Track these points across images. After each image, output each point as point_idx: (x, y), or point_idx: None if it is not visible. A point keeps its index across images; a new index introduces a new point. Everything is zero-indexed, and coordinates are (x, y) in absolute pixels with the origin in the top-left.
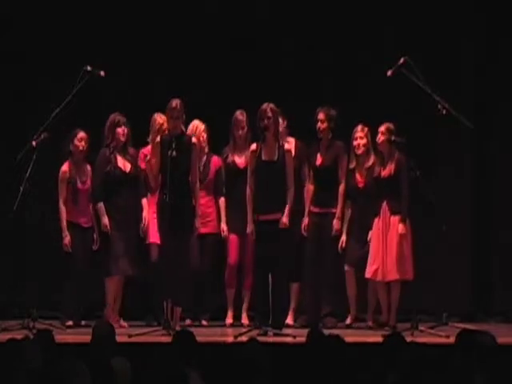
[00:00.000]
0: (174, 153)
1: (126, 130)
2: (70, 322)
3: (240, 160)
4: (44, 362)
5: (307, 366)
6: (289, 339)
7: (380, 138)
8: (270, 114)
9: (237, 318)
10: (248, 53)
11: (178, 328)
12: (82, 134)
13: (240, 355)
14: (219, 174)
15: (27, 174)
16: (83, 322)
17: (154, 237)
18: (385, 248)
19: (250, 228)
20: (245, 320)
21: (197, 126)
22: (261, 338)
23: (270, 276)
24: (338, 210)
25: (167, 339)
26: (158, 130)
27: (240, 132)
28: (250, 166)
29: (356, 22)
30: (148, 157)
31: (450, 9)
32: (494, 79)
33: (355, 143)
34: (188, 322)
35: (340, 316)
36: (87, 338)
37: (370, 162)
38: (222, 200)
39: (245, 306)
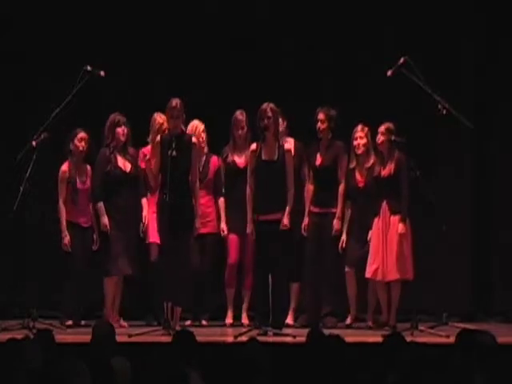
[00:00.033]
0: (174, 152)
1: (125, 130)
2: (70, 322)
3: (240, 160)
4: (44, 361)
5: (307, 366)
6: (289, 339)
7: (380, 138)
8: (270, 114)
9: (237, 317)
10: (248, 53)
11: (178, 328)
12: (82, 134)
13: (240, 355)
14: (218, 174)
15: (27, 174)
16: (83, 322)
17: (153, 237)
18: (385, 248)
19: (249, 228)
20: (245, 320)
21: (196, 126)
22: (261, 338)
23: (270, 276)
24: (338, 210)
25: (167, 339)
26: (158, 130)
27: (240, 132)
28: (250, 165)
29: (356, 22)
30: (147, 156)
31: (450, 9)
32: (494, 79)
33: (355, 143)
34: (188, 322)
35: (340, 316)
36: (87, 338)
37: (370, 162)
38: (221, 200)
39: (245, 305)
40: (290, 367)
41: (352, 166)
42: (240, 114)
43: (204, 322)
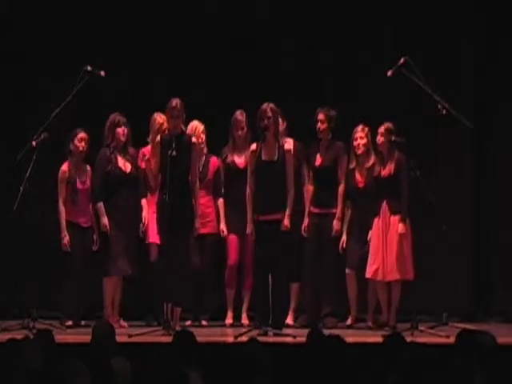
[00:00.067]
0: (174, 152)
1: (126, 130)
2: (70, 322)
3: (240, 160)
4: (44, 361)
5: (307, 366)
6: (289, 339)
7: (379, 139)
8: (270, 114)
9: (237, 318)
10: (248, 53)
11: (178, 328)
12: (82, 135)
13: (240, 355)
14: (218, 175)
15: (27, 174)
16: (83, 322)
17: (153, 237)
18: (385, 248)
19: (249, 228)
20: (245, 320)
21: (196, 126)
22: (261, 338)
23: (270, 276)
24: (338, 211)
25: (167, 339)
26: (158, 130)
27: (239, 132)
28: (250, 165)
29: (356, 22)
30: (146, 156)
31: (450, 9)
32: (494, 79)
33: (355, 143)
34: (188, 322)
35: (340, 316)
36: (87, 338)
37: (371, 163)
38: (220, 201)
39: (245, 306)
40: (289, 367)
41: (352, 166)
42: (240, 115)
43: (204, 322)
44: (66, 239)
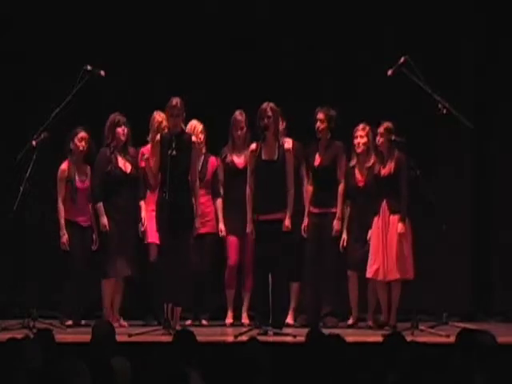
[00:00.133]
0: (174, 152)
1: (126, 130)
2: (70, 322)
3: (239, 160)
4: (44, 361)
5: (307, 366)
6: (289, 339)
7: (379, 139)
8: (270, 114)
9: (237, 317)
10: (248, 53)
11: (178, 327)
12: (82, 134)
13: (240, 355)
14: (216, 175)
15: (27, 174)
16: (83, 322)
17: (153, 237)
18: (385, 247)
19: (249, 228)
20: (245, 319)
21: (195, 126)
22: (261, 338)
23: (270, 276)
24: (338, 211)
25: (167, 339)
26: (157, 128)
27: (239, 132)
28: (250, 165)
29: (356, 22)
30: (146, 156)
31: (450, 9)
32: (494, 79)
33: (355, 142)
34: (188, 321)
35: (340, 316)
36: (87, 338)
37: (371, 162)
38: (218, 201)
39: (245, 305)
40: (290, 367)
41: (352, 164)
42: (239, 115)
43: (204, 322)
44: (65, 238)
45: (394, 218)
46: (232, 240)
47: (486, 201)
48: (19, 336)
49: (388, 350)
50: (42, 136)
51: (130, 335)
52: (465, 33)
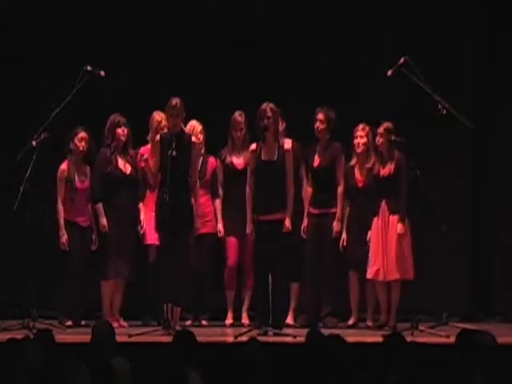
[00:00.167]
0: (174, 152)
1: (126, 131)
2: (70, 322)
3: (238, 161)
4: (44, 361)
5: (307, 366)
6: (289, 339)
7: (379, 139)
8: (269, 114)
9: (237, 318)
10: (248, 53)
11: (178, 328)
12: (82, 134)
13: (240, 355)
14: (215, 175)
15: (27, 174)
16: (83, 322)
17: (152, 238)
18: (384, 248)
19: (249, 228)
20: (245, 320)
21: (194, 126)
22: (261, 338)
23: (269, 276)
24: (338, 212)
25: (167, 339)
26: (156, 128)
27: (238, 133)
28: (250, 165)
29: (356, 22)
30: (145, 156)
31: (450, 9)
32: (494, 79)
33: (355, 142)
34: (188, 322)
35: (340, 316)
36: (87, 338)
37: (371, 163)
38: (217, 202)
39: (245, 305)
40: (289, 367)
41: (352, 163)
42: (239, 116)
43: (204, 322)
44: (64, 238)
45: (394, 218)
46: (231, 241)
47: (486, 201)
48: (19, 336)
49: (388, 351)
50: (42, 136)
51: (129, 335)
52: (465, 33)
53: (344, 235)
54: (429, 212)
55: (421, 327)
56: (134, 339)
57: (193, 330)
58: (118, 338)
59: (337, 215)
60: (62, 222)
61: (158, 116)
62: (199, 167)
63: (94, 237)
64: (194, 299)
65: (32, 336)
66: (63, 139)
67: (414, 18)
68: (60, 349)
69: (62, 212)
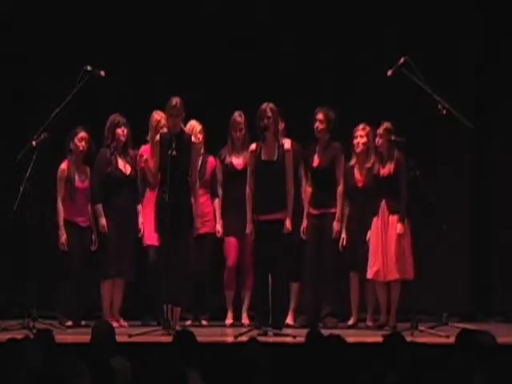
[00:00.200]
0: (175, 152)
1: (125, 131)
2: (70, 322)
3: (238, 161)
4: (44, 361)
5: (307, 367)
6: (289, 339)
7: (378, 140)
8: (269, 114)
9: (237, 318)
10: (248, 53)
11: (178, 328)
12: (82, 134)
13: (240, 355)
14: (215, 175)
15: (27, 174)
16: (83, 322)
17: (152, 239)
18: (384, 248)
19: (249, 228)
20: (245, 320)
21: (193, 126)
22: (261, 338)
23: (269, 276)
24: (337, 212)
25: (167, 339)
26: (156, 127)
27: (238, 134)
28: (250, 165)
29: (356, 22)
30: (144, 157)
31: (450, 9)
32: (494, 79)
33: (355, 141)
34: (188, 322)
35: (340, 316)
36: (87, 338)
37: (370, 163)
38: (216, 201)
39: (245, 306)
40: (290, 367)
41: (352, 163)
42: (238, 116)
43: (204, 322)
44: (64, 238)
45: (393, 218)
46: (231, 241)
47: (486, 201)
48: (19, 336)
49: (388, 351)
50: (42, 136)
51: (130, 335)
52: (465, 33)
53: (344, 235)
54: (429, 212)
55: (421, 327)
56: (134, 339)
57: (193, 329)
58: (118, 338)
59: (336, 215)
60: (61, 221)
61: (158, 115)
62: (199, 167)
63: (93, 237)
64: (193, 299)
65: (32, 336)
66: (63, 139)
67: (414, 17)
68: (60, 349)
69: (61, 212)
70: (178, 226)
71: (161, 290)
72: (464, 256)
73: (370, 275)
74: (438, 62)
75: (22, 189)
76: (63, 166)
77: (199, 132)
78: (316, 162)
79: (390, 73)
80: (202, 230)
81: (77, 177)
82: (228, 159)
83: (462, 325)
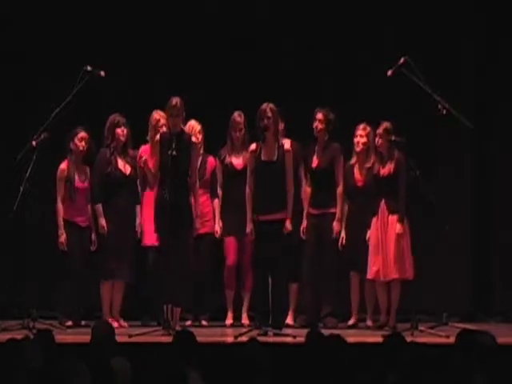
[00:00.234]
0: (175, 152)
1: (125, 131)
2: (70, 322)
3: (237, 161)
4: (44, 361)
5: (307, 367)
6: (289, 339)
7: (378, 140)
8: (269, 114)
9: (237, 318)
10: (248, 53)
11: (178, 328)
12: (82, 134)
13: (240, 355)
14: (214, 175)
15: (27, 174)
16: (83, 322)
17: (151, 239)
18: (384, 247)
19: (249, 228)
20: (245, 320)
21: (193, 126)
22: (261, 338)
23: (269, 276)
24: (337, 212)
25: (167, 339)
26: (155, 126)
27: (238, 134)
28: (250, 166)
29: (356, 22)
30: (144, 158)
31: (450, 9)
32: (494, 79)
33: (355, 140)
34: (188, 322)
35: (340, 316)
36: (87, 338)
37: (370, 163)
38: (215, 202)
39: (245, 306)
40: (290, 367)
41: (352, 162)
42: (238, 116)
43: (204, 323)
44: (63, 237)
45: (393, 218)
46: (230, 241)
47: (486, 201)
48: (19, 336)
49: (388, 351)
50: (42, 136)
51: (130, 336)
52: (465, 33)
53: (343, 234)
54: (429, 212)
55: (421, 327)
56: (134, 339)
57: (193, 330)
58: (118, 338)
59: (336, 216)
60: (61, 221)
61: (157, 114)
62: (199, 167)
63: (93, 237)
64: (193, 299)
65: (32, 336)
66: (63, 139)
67: (414, 17)
68: (60, 349)
69: (61, 211)
70: (178, 226)
71: (161, 290)
72: (464, 256)
73: (370, 275)
74: (438, 61)
75: (22, 189)
76: (63, 165)
77: (198, 132)
78: (315, 162)
79: (390, 73)
80: (202, 230)
81: (77, 177)
82: (228, 159)
83: (462, 325)
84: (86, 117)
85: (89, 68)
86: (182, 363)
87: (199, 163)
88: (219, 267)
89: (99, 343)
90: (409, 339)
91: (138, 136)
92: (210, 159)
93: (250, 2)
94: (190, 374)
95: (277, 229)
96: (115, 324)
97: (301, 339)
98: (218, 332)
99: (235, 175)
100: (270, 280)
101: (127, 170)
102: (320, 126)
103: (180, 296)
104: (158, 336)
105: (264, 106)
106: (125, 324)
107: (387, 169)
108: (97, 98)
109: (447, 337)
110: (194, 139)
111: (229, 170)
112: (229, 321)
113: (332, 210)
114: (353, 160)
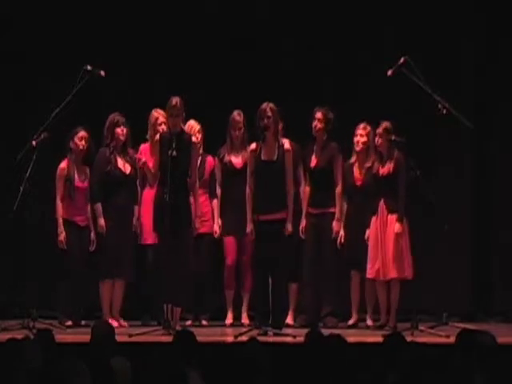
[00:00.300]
0: (175, 152)
1: (125, 130)
2: (70, 322)
3: (237, 160)
4: (44, 361)
5: (307, 366)
6: (289, 339)
7: (378, 140)
8: (269, 114)
9: (237, 318)
10: (248, 53)
11: (178, 328)
12: (82, 133)
13: (240, 355)
14: (214, 175)
15: (27, 174)
16: (83, 322)
17: (150, 238)
18: (383, 247)
19: (249, 228)
20: (245, 320)
21: (192, 126)
22: (261, 338)
23: (269, 276)
24: (337, 212)
25: (167, 339)
26: (154, 125)
27: (237, 133)
28: (250, 165)
29: (356, 22)
30: (143, 159)
31: (450, 9)
32: (494, 79)
33: (355, 140)
34: (188, 322)
35: (341, 316)
36: (87, 338)
37: (370, 162)
38: (214, 202)
39: (245, 305)
40: (290, 367)
41: (352, 161)
42: (237, 115)
43: (204, 322)
44: (62, 236)
45: (392, 217)
46: (229, 241)
47: (486, 201)
48: (19, 336)
49: (388, 351)
50: (42, 136)
51: (130, 335)
52: (465, 33)
53: (342, 232)
54: (429, 212)
55: (421, 327)
56: (134, 339)
57: (193, 329)
58: (118, 338)
59: (336, 215)
60: (60, 220)
61: (156, 113)
62: (198, 167)
63: (92, 237)
64: (194, 299)
65: (32, 336)
66: (63, 139)
67: (414, 18)
68: (60, 349)
69: (60, 210)
70: (177, 225)
71: (161, 289)
72: (464, 256)
73: (370, 275)
74: (438, 61)
75: (22, 189)
76: (63, 164)
77: (198, 132)
78: (314, 162)
79: (390, 73)
80: (201, 230)
81: (76, 176)
82: (227, 158)
83: (462, 325)
84: (85, 117)
85: (89, 68)
86: (182, 363)
87: (199, 163)
88: (219, 267)
89: (99, 343)
90: (409, 339)
91: (138, 136)
92: (209, 159)
93: (249, 2)
94: (190, 373)
95: (277, 229)
96: (115, 324)
97: (301, 339)
98: (218, 332)
99: (234, 174)
100: (270, 280)
101: (127, 169)
102: (319, 126)
103: (180, 296)
104: (158, 336)
105: (264, 105)
106: (125, 324)
107: (387, 168)
108: (97, 97)
109: (447, 337)
110: (194, 139)
111: (228, 168)
112: (229, 321)
113: (331, 210)
114: (352, 159)
